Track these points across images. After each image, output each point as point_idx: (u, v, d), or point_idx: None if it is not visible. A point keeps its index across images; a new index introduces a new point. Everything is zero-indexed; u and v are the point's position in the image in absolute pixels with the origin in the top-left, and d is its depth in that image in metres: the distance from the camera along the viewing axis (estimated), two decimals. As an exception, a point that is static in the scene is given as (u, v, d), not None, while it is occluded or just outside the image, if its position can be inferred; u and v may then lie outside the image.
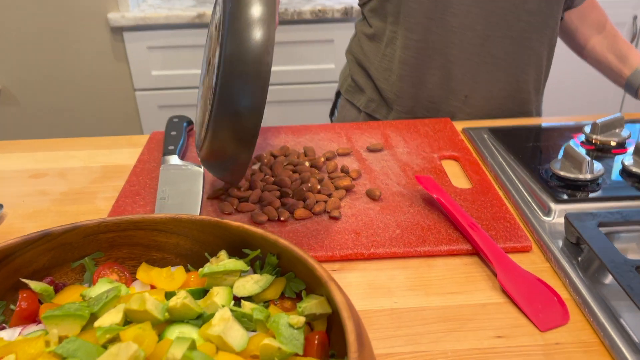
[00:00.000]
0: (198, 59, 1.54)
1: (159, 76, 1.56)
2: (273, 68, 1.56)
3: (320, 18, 1.49)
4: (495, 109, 0.83)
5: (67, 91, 1.59)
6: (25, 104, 1.61)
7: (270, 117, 1.65)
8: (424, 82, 0.81)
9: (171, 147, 0.67)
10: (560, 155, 0.63)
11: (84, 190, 0.63)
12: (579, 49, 0.91)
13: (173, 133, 0.70)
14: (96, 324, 0.32)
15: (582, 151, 0.64)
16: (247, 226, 0.38)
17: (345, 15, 1.48)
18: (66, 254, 0.39)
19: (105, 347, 0.30)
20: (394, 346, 0.41)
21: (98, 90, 1.60)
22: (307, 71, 1.58)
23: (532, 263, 0.49)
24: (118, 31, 1.50)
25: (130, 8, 1.49)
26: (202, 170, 0.63)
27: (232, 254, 0.39)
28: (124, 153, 0.72)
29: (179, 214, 0.40)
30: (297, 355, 0.31)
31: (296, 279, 0.37)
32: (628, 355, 0.38)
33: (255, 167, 0.64)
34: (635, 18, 2.23)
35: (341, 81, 0.97)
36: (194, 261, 0.41)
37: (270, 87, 1.59)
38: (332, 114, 1.02)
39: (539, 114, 0.90)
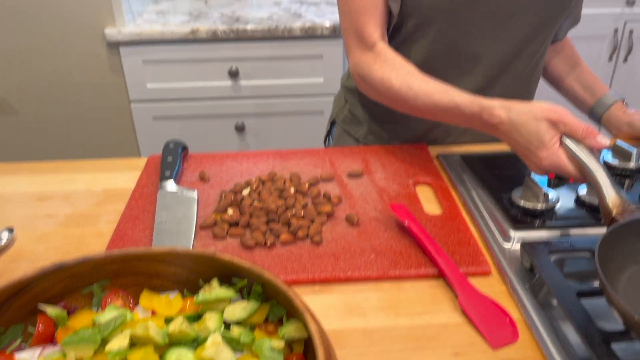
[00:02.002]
0: (191, 72, 1.59)
1: (153, 89, 1.61)
2: (265, 82, 1.62)
3: (309, 35, 1.54)
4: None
5: (65, 102, 1.64)
6: (24, 114, 1.65)
7: (263, 128, 1.70)
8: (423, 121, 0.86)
9: (167, 173, 0.72)
10: (522, 185, 0.69)
11: (87, 213, 0.69)
12: (548, 77, 0.97)
13: (169, 159, 0.75)
14: (107, 348, 0.37)
15: (543, 180, 0.70)
16: (236, 259, 0.44)
17: (334, 33, 1.54)
18: (77, 282, 0.45)
19: (115, 368, 0.36)
20: (364, 362, 0.47)
21: (94, 102, 1.65)
22: (297, 85, 1.63)
23: (490, 286, 0.55)
24: (114, 46, 1.56)
25: (126, 23, 1.55)
26: (195, 196, 0.69)
27: (223, 281, 0.45)
28: (123, 176, 0.77)
29: (176, 247, 0.45)
30: (277, 373, 0.37)
31: (278, 306, 0.43)
32: (564, 371, 0.44)
33: (245, 192, 0.70)
34: (616, 31, 2.30)
35: (336, 110, 0.99)
36: (190, 287, 0.46)
37: (262, 100, 1.65)
38: (326, 140, 1.04)
39: None
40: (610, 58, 2.37)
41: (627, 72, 2.42)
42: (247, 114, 1.68)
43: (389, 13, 0.78)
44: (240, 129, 1.69)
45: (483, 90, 0.81)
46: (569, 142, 0.59)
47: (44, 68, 1.59)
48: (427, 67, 0.76)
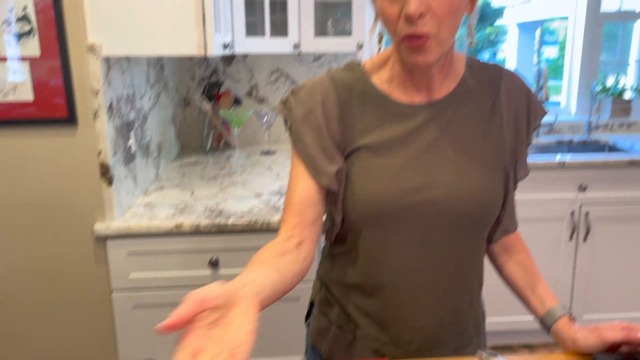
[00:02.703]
0: (173, 262, 1.67)
1: (136, 278, 1.67)
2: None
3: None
4: (443, 336, 0.96)
5: (45, 290, 1.68)
6: (3, 295, 1.68)
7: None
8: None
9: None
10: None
11: None
12: (504, 278, 1.05)
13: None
14: None
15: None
16: None
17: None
18: None
19: None
20: None
21: (75, 291, 1.69)
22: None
23: None
24: (102, 239, 1.65)
25: (116, 218, 1.66)
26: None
27: None
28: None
29: None
30: None
31: None
32: None
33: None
34: (572, 213, 2.48)
35: (314, 292, 1.10)
36: None
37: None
38: (307, 319, 1.12)
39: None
40: (571, 238, 2.52)
41: (589, 251, 2.56)
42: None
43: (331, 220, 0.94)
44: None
45: (419, 289, 0.92)
46: None
47: (29, 256, 1.65)
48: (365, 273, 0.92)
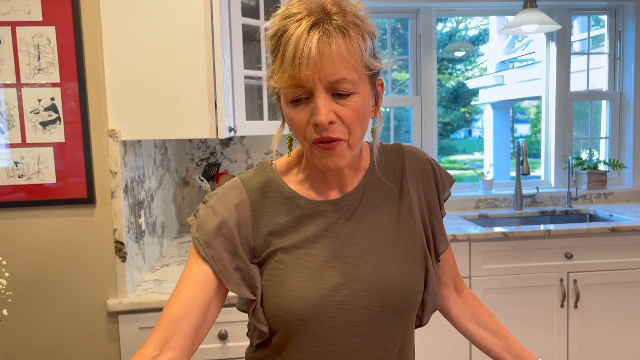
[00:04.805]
0: (183, 337, 1.70)
1: (146, 354, 1.70)
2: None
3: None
4: None
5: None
6: (12, 384, 1.68)
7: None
8: None
9: None
10: None
11: None
12: (470, 340, 1.09)
13: None
14: None
15: None
16: None
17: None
18: None
19: None
20: None
21: (86, 369, 1.71)
22: None
23: None
24: (114, 315, 1.69)
25: (128, 294, 1.71)
26: None
27: None
28: None
29: None
30: None
31: None
32: None
33: None
34: (561, 280, 2.58)
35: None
36: None
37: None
38: None
39: None
40: (562, 305, 2.61)
41: (580, 317, 2.64)
42: (234, 375, 1.75)
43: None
44: (226, 390, 1.74)
45: None
46: None
47: (42, 332, 1.68)
48: None
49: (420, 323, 1.00)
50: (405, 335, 0.96)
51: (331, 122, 0.81)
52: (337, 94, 0.81)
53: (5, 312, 1.33)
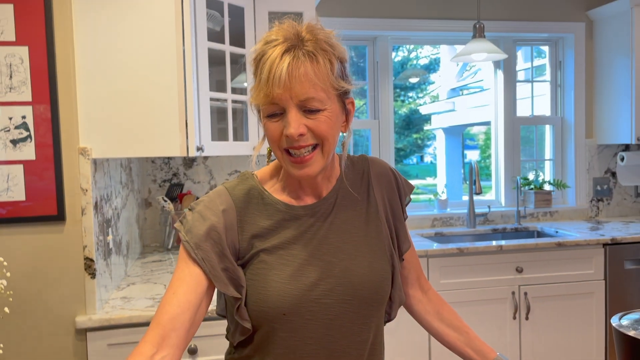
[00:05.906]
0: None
1: (114, 371, 1.70)
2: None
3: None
4: None
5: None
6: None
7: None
8: None
9: None
10: None
11: None
12: (434, 336, 1.18)
13: None
14: None
15: None
16: None
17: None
18: None
19: None
20: None
21: (51, 388, 1.69)
22: None
23: None
24: (82, 332, 1.69)
25: (97, 310, 1.71)
26: None
27: None
28: None
29: None
30: None
31: None
32: None
33: None
34: (513, 293, 2.72)
35: None
36: None
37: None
38: None
39: None
40: (514, 317, 2.74)
41: (532, 328, 2.78)
42: (203, 389, 1.77)
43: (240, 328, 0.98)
44: (195, 405, 1.76)
45: None
46: None
47: (7, 351, 1.66)
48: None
49: (389, 318, 1.10)
50: (376, 328, 1.05)
51: (301, 134, 0.92)
52: (308, 110, 0.92)
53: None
